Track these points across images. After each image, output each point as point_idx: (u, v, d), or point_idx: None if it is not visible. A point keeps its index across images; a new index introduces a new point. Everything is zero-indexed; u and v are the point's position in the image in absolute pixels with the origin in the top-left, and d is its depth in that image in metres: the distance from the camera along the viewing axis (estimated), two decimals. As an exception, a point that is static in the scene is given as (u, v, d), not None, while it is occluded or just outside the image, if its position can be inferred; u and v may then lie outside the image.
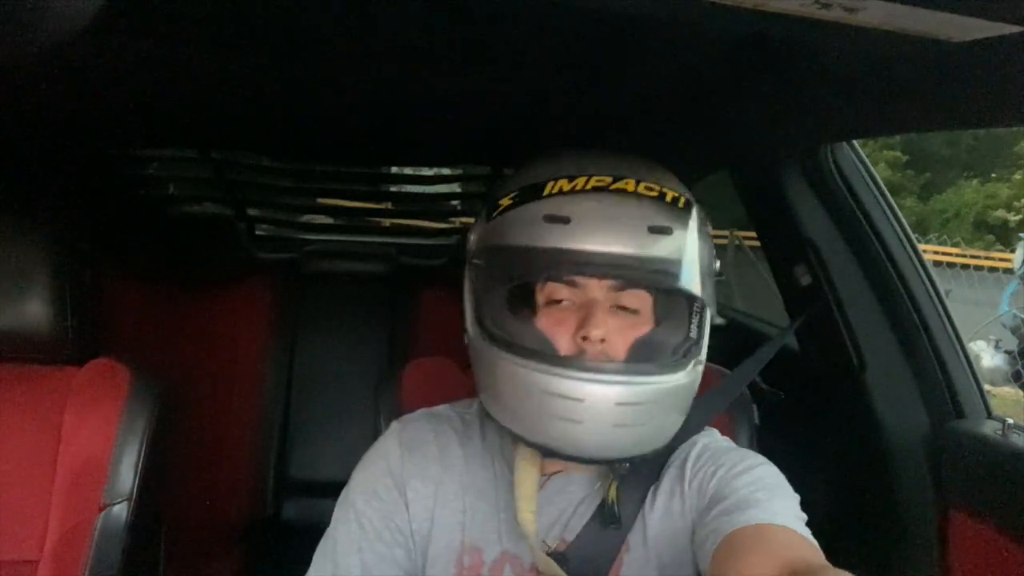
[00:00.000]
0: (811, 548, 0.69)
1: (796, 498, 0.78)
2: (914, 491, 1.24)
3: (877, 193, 1.33)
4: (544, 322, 0.78)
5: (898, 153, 15.52)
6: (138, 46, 0.98)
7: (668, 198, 0.76)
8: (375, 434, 1.04)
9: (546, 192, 0.76)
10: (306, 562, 0.86)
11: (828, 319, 1.34)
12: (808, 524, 0.76)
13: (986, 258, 7.98)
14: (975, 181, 16.22)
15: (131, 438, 1.12)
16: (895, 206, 1.33)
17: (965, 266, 6.21)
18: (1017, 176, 15.37)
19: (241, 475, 2.10)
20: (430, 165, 2.38)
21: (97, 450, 1.11)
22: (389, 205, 2.83)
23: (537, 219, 0.74)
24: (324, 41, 0.98)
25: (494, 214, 0.80)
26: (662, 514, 0.82)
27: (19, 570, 1.08)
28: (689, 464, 0.83)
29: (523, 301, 0.80)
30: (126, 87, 1.22)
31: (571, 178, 0.76)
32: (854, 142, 1.32)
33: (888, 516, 1.27)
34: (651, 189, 0.75)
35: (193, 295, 2.17)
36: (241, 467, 2.10)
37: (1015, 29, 0.59)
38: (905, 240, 1.30)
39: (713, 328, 0.84)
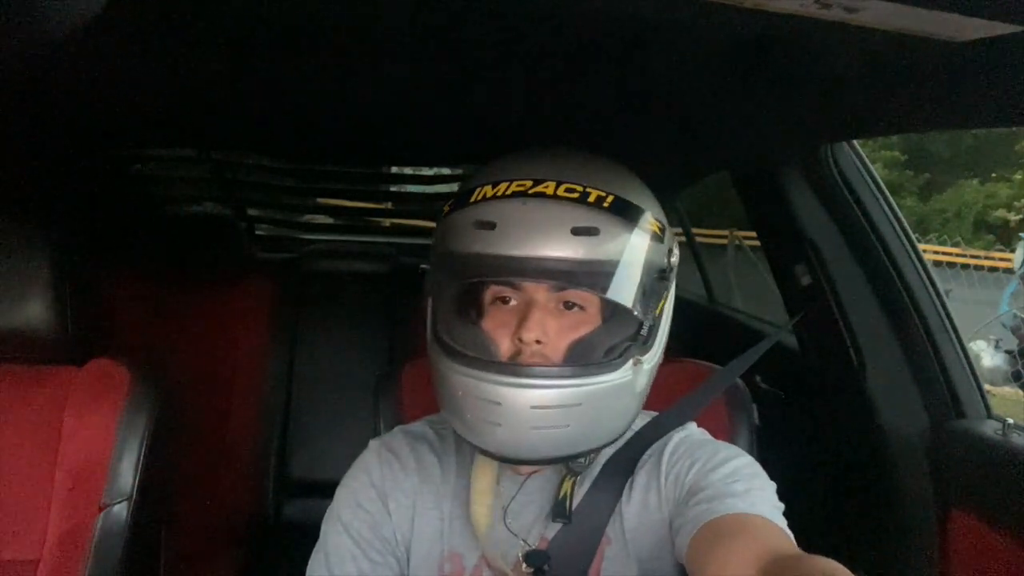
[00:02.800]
0: (787, 538, 0.70)
1: (773, 487, 0.79)
2: (914, 491, 1.24)
3: (877, 193, 1.33)
4: (488, 324, 0.79)
5: (898, 153, 15.51)
6: (138, 46, 0.98)
7: (591, 198, 0.75)
8: (375, 434, 1.04)
9: (472, 199, 0.77)
10: (306, 562, 0.86)
11: (828, 319, 1.34)
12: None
13: (986, 258, 7.97)
14: (975, 181, 16.20)
15: (131, 438, 1.12)
16: (895, 206, 1.33)
17: (965, 266, 6.20)
18: (1017, 176, 15.35)
19: (241, 475, 2.10)
20: (430, 165, 2.38)
21: (97, 450, 1.11)
22: (389, 205, 2.83)
23: (468, 225, 0.76)
24: (324, 41, 0.98)
25: (439, 221, 0.83)
26: (639, 508, 0.83)
27: (19, 570, 1.08)
28: (665, 458, 0.84)
29: (470, 304, 0.81)
30: (126, 87, 1.22)
31: (494, 184, 0.77)
32: (854, 142, 1.32)
33: (888, 516, 1.27)
34: (572, 191, 0.75)
35: (193, 295, 2.17)
36: (241, 467, 2.10)
37: (1015, 29, 0.59)
38: (905, 240, 1.30)
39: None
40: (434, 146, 1.91)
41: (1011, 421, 1.17)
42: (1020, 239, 6.93)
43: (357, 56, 1.05)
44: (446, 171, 2.33)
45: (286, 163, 2.35)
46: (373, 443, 0.92)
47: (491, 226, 0.74)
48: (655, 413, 0.90)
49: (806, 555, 0.63)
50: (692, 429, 0.90)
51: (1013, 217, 14.56)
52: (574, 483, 0.83)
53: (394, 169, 2.51)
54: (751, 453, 1.05)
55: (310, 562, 0.86)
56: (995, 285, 6.27)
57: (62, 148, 1.65)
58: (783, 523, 0.73)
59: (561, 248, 0.73)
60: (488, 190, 0.77)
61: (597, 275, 0.75)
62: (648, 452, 0.86)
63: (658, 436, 0.87)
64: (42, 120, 1.42)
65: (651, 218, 0.79)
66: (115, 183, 2.09)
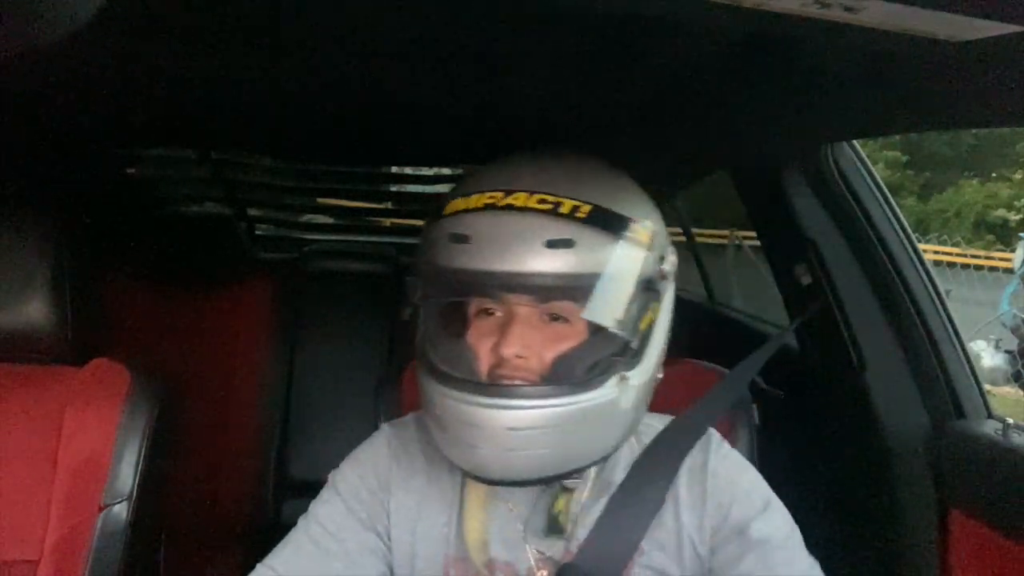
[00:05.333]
0: None
1: (797, 531, 0.80)
2: (914, 491, 1.24)
3: (877, 193, 1.32)
4: (472, 337, 0.77)
5: (898, 153, 15.51)
6: (138, 46, 0.98)
7: (565, 208, 0.72)
8: (375, 434, 1.04)
9: (446, 211, 0.75)
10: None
11: (828, 319, 1.34)
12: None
13: (986, 258, 7.98)
14: (975, 181, 16.21)
15: (131, 438, 1.12)
16: (895, 206, 1.33)
17: (965, 266, 6.21)
18: (1017, 175, 15.36)
19: (241, 475, 2.10)
20: (430, 165, 2.38)
21: (97, 450, 1.11)
22: (389, 205, 2.83)
23: (443, 238, 0.74)
24: (324, 41, 0.98)
25: (424, 228, 0.81)
26: (686, 519, 0.81)
27: (19, 570, 1.08)
28: (708, 477, 0.82)
29: (456, 315, 0.79)
30: (126, 87, 1.22)
31: (466, 196, 0.75)
32: (854, 142, 1.32)
33: (888, 516, 1.27)
34: (544, 202, 0.72)
35: (193, 295, 2.17)
36: (241, 467, 2.11)
37: (1015, 29, 0.59)
38: (905, 240, 1.30)
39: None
40: (434, 146, 1.91)
41: (1011, 421, 1.16)
42: (1020, 239, 6.94)
43: (357, 56, 1.05)
44: (446, 171, 2.34)
45: (286, 163, 2.35)
46: (386, 429, 0.91)
47: (466, 239, 0.72)
48: (668, 416, 0.88)
49: None
50: (718, 440, 0.87)
51: (1013, 217, 14.57)
52: (569, 500, 0.81)
53: (394, 169, 2.51)
54: (751, 453, 1.06)
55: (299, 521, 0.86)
56: (995, 285, 6.28)
57: (62, 148, 1.65)
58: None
59: (538, 262, 0.70)
60: (460, 202, 0.75)
61: (577, 289, 0.72)
62: (683, 466, 0.83)
63: (685, 447, 0.84)
64: (42, 120, 1.42)
65: (638, 227, 0.75)
66: (115, 183, 2.09)
